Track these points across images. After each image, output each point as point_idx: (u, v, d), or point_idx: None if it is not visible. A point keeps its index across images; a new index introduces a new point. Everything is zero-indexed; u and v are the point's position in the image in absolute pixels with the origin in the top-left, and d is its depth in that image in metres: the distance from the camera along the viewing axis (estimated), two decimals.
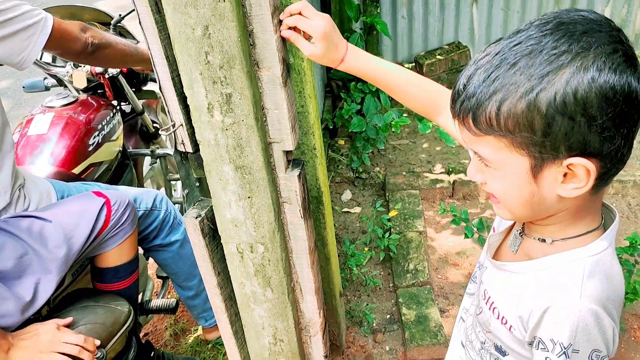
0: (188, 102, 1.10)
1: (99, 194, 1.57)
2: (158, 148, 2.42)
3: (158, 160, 2.53)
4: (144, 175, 2.57)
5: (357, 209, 2.85)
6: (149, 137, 2.55)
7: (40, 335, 1.35)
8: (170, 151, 2.40)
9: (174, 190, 2.76)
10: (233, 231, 1.24)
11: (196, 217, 1.22)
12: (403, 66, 2.86)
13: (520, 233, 0.91)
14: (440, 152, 3.20)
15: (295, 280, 1.34)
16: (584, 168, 0.70)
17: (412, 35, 3.66)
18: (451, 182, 2.89)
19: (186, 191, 1.25)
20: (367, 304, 2.31)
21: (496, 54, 0.71)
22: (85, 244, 1.49)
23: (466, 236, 2.08)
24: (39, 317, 1.49)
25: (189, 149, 1.19)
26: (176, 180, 2.60)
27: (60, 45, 1.51)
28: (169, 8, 0.99)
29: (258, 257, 1.26)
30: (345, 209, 2.85)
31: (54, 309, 1.56)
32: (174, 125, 1.16)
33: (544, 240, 0.84)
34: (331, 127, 3.08)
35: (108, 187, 1.78)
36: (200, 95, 1.07)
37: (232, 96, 1.06)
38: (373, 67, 1.11)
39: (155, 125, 2.56)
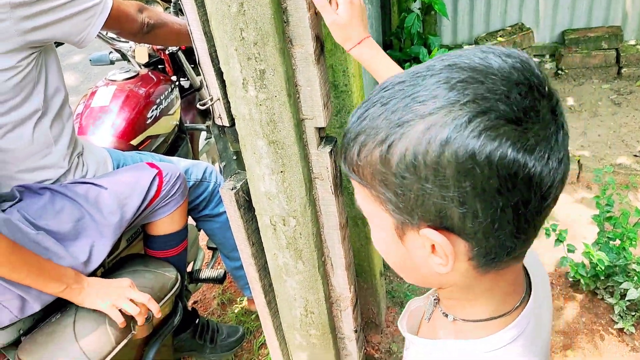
0: (224, 78, 1.14)
1: (152, 165, 1.66)
2: (214, 124, 2.50)
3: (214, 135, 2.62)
4: (199, 149, 2.67)
5: None
6: (206, 112, 2.64)
7: (113, 283, 1.47)
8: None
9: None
10: (266, 204, 1.28)
11: (232, 189, 1.28)
12: (462, 48, 2.78)
13: (435, 299, 0.76)
14: None
15: (327, 254, 1.37)
16: (439, 244, 0.57)
17: (473, 15, 3.56)
18: None
19: (224, 164, 1.30)
20: (409, 285, 2.32)
21: (383, 88, 0.58)
22: (137, 212, 1.58)
23: None
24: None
25: (226, 123, 1.23)
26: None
27: (117, 25, 1.58)
28: None
29: (290, 230, 1.30)
30: None
31: (107, 271, 1.67)
32: (211, 99, 1.21)
33: (446, 316, 0.69)
34: None
35: (162, 159, 1.87)
36: (235, 71, 1.12)
37: (265, 72, 1.10)
38: (384, 65, 1.11)
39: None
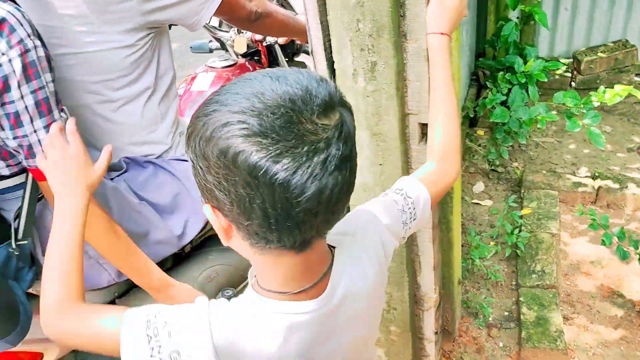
0: (335, 67, 1.17)
1: None
2: None
3: None
4: None
5: (488, 202, 2.79)
6: None
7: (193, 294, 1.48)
8: None
9: None
10: (362, 195, 1.30)
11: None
12: (559, 61, 2.68)
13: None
14: (587, 155, 3.01)
15: (415, 252, 1.37)
16: (212, 216, 0.72)
17: (573, 29, 3.43)
18: (595, 187, 2.71)
19: None
20: (486, 297, 2.27)
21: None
22: None
23: (603, 243, 1.96)
24: (182, 252, 1.68)
25: None
26: None
27: (228, 11, 1.63)
28: None
29: None
30: (476, 201, 2.80)
31: (196, 247, 1.74)
32: None
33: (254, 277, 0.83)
34: (472, 116, 3.02)
35: None
36: (347, 61, 1.14)
37: (377, 64, 1.11)
38: (436, 73, 1.07)
39: None
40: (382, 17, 1.06)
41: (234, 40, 2.35)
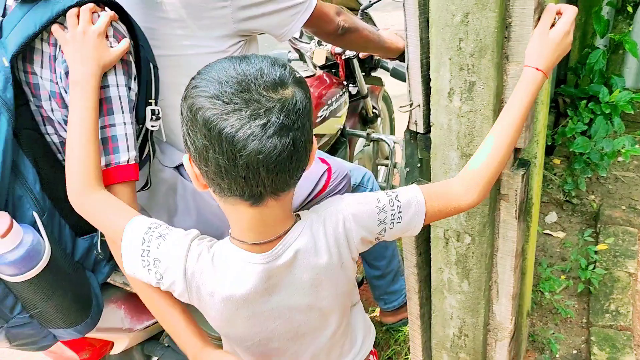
0: (430, 85, 1.15)
1: (323, 160, 1.71)
2: (373, 132, 2.53)
3: (371, 143, 2.65)
4: (354, 155, 2.72)
5: (561, 234, 2.68)
6: (367, 120, 2.69)
7: None
8: (384, 137, 2.50)
9: (378, 175, 2.87)
10: None
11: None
12: None
13: None
14: None
15: (494, 279, 1.33)
16: (188, 164, 0.93)
17: None
18: None
19: (407, 170, 1.31)
20: (554, 333, 2.18)
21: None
22: (304, 201, 1.64)
23: None
24: None
25: (420, 130, 1.24)
26: (383, 165, 2.70)
27: (316, 24, 1.63)
28: None
29: (463, 247, 1.28)
30: (547, 231, 2.70)
31: None
32: (411, 105, 1.22)
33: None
34: (549, 144, 2.93)
35: (328, 156, 1.93)
36: (444, 80, 1.12)
37: (475, 85, 1.09)
38: (516, 96, 1.05)
39: (374, 110, 2.68)
40: (486, 38, 1.04)
41: (313, 52, 2.38)
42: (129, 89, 1.20)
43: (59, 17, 1.14)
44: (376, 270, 2.15)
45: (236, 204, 0.91)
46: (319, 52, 2.36)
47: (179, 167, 1.49)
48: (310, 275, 1.00)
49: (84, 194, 1.09)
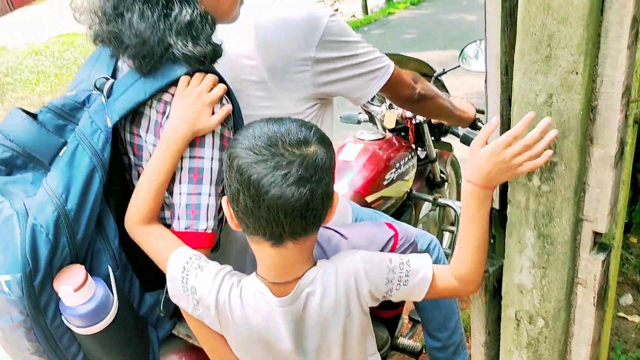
0: None
1: (390, 225, 1.70)
2: (440, 197, 2.51)
3: (437, 208, 2.62)
4: (419, 218, 2.69)
5: (636, 318, 2.52)
6: (434, 185, 2.67)
7: None
8: (451, 202, 2.46)
9: (443, 241, 2.82)
10: (516, 297, 1.23)
11: (483, 272, 1.24)
12: None
13: None
14: None
15: None
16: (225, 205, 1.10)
17: None
18: None
19: None
20: None
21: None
22: None
23: None
24: None
25: (495, 206, 1.22)
26: (449, 231, 2.65)
27: (392, 89, 1.66)
28: (519, 73, 1.05)
29: (535, 330, 1.22)
30: (622, 314, 2.55)
31: None
32: None
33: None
34: (625, 221, 2.80)
35: (394, 221, 1.91)
36: None
37: (556, 165, 1.07)
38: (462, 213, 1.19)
39: (442, 175, 2.66)
40: (571, 119, 1.02)
41: (384, 115, 2.40)
42: (221, 162, 1.26)
43: (169, 87, 1.21)
44: (437, 342, 2.08)
45: (260, 243, 1.06)
46: (390, 115, 2.38)
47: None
48: (317, 320, 1.13)
49: (140, 223, 1.22)
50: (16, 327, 1.18)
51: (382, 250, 1.64)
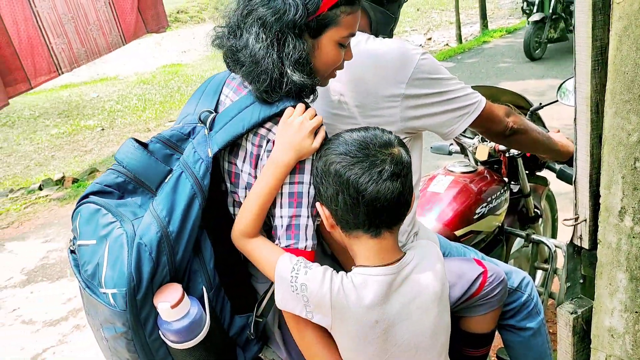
0: (600, 201, 1.12)
1: (479, 262, 1.68)
2: (534, 233, 2.44)
3: (531, 245, 2.54)
4: (510, 254, 2.62)
5: None
6: (526, 220, 2.59)
7: None
8: (546, 240, 2.38)
9: (535, 279, 2.72)
10: (607, 341, 1.18)
11: (572, 313, 1.22)
12: None
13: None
14: None
15: None
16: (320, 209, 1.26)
17: None
18: None
19: (568, 284, 1.26)
20: None
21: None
22: (457, 302, 1.61)
23: None
24: None
25: (585, 246, 1.19)
26: (542, 269, 2.56)
27: (483, 125, 1.65)
28: (610, 111, 1.04)
29: None
30: None
31: None
32: (576, 219, 1.18)
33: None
34: None
35: (484, 257, 1.89)
36: (615, 198, 1.08)
37: None
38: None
39: (536, 210, 2.58)
40: None
41: (476, 148, 2.38)
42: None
43: (264, 122, 1.31)
44: None
45: (359, 237, 1.22)
46: (482, 148, 2.35)
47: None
48: (419, 290, 1.26)
49: (245, 236, 1.32)
50: (119, 338, 1.29)
51: (469, 287, 1.62)
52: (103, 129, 7.98)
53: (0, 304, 3.70)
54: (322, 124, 1.32)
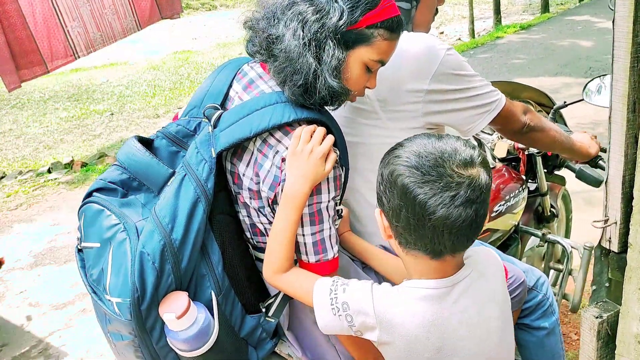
0: (633, 204, 1.08)
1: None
2: (549, 233, 2.40)
3: (546, 244, 2.50)
4: (524, 252, 2.58)
5: None
6: (542, 219, 2.56)
7: None
8: (562, 240, 2.34)
9: (549, 279, 2.68)
10: (632, 347, 1.15)
11: (597, 317, 1.18)
12: None
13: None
14: None
15: None
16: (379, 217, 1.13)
17: None
18: None
19: (594, 287, 1.23)
20: None
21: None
22: None
23: None
24: None
25: (614, 249, 1.16)
26: (556, 270, 2.52)
27: (501, 122, 1.62)
28: None
29: None
30: None
31: None
32: (606, 221, 1.15)
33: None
34: None
35: (501, 255, 1.85)
36: None
37: None
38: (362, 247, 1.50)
39: (552, 209, 2.54)
40: None
41: (494, 144, 2.35)
42: (334, 198, 1.30)
43: (275, 131, 1.26)
44: None
45: (417, 257, 1.08)
46: (501, 145, 2.32)
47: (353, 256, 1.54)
48: (481, 302, 1.14)
49: (279, 273, 1.26)
50: (126, 345, 1.27)
51: None
52: (112, 114, 7.98)
53: (7, 286, 3.70)
54: (332, 147, 1.26)
